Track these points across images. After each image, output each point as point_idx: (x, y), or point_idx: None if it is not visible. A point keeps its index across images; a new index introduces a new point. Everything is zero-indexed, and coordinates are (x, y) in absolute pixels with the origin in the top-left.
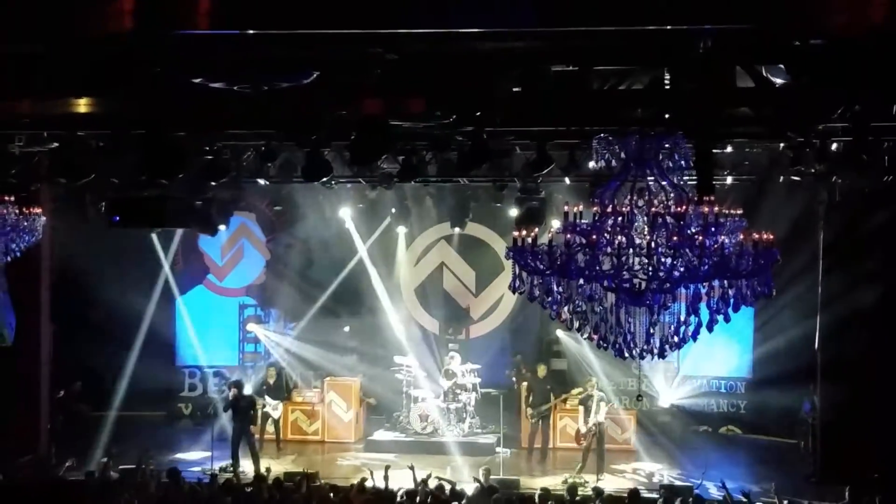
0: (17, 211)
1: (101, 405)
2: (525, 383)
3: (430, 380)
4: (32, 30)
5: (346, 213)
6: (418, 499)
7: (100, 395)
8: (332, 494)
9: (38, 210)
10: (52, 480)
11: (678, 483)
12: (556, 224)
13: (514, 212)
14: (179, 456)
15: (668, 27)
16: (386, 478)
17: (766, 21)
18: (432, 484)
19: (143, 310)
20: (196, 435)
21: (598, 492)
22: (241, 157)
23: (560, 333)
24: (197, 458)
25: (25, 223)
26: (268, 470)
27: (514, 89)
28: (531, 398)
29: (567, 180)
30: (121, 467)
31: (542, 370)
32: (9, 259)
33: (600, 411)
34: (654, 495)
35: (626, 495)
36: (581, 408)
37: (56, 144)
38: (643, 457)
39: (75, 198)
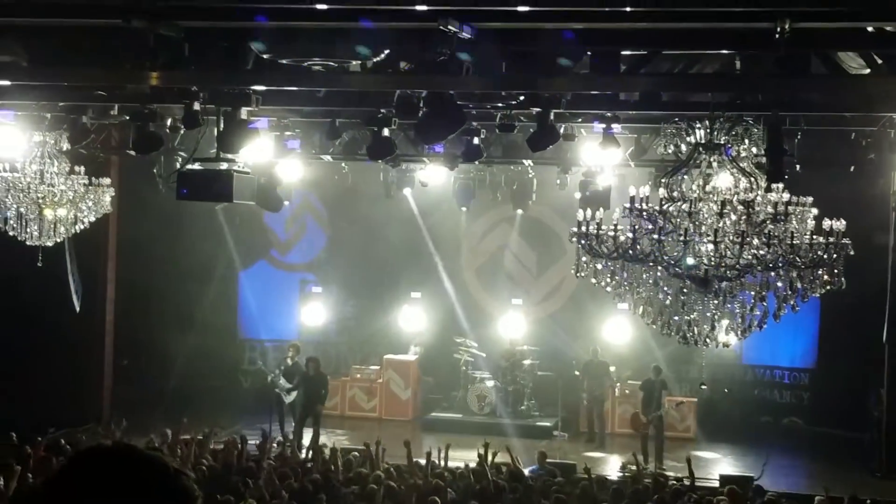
0: (86, 182)
1: (163, 376)
2: (584, 365)
3: (489, 361)
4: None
5: (408, 192)
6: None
7: (162, 366)
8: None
9: (107, 181)
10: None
11: (738, 474)
12: (619, 209)
13: (577, 195)
14: (240, 428)
15: (742, 9)
16: (446, 457)
17: (844, 4)
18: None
19: (206, 283)
20: (256, 407)
21: (658, 479)
22: (306, 133)
23: (621, 318)
24: (257, 430)
25: (94, 194)
26: (324, 445)
27: (583, 72)
28: (585, 383)
29: (633, 164)
30: (182, 437)
31: (597, 359)
32: (78, 229)
33: (663, 400)
34: (714, 484)
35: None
36: (641, 394)
37: (127, 117)
38: (703, 445)
39: (144, 170)
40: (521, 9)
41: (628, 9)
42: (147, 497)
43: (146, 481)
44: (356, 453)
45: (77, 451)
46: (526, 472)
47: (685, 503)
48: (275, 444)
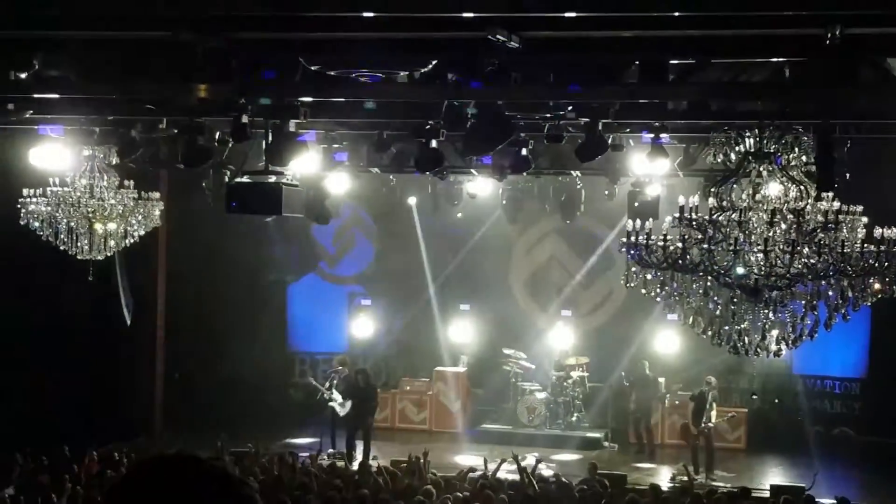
0: (135, 196)
1: (213, 389)
2: (633, 377)
3: (539, 372)
4: (155, 14)
5: (457, 205)
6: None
7: (213, 378)
8: (441, 484)
9: (156, 195)
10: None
11: (789, 484)
12: (669, 218)
13: (626, 205)
14: (289, 441)
15: (792, 13)
16: (497, 469)
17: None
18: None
19: (255, 296)
20: (306, 420)
21: (708, 490)
22: (355, 146)
23: (670, 328)
24: (306, 443)
25: (143, 208)
26: (374, 458)
27: (631, 81)
28: (634, 396)
29: (681, 174)
30: (232, 450)
31: (646, 371)
32: (128, 243)
33: (713, 412)
34: (765, 495)
35: (735, 491)
36: (692, 404)
37: (175, 131)
38: (753, 456)
39: (193, 183)
40: (567, 15)
41: (676, 14)
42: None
43: (209, 490)
44: (403, 465)
45: (140, 459)
46: (575, 482)
47: None
48: (325, 458)
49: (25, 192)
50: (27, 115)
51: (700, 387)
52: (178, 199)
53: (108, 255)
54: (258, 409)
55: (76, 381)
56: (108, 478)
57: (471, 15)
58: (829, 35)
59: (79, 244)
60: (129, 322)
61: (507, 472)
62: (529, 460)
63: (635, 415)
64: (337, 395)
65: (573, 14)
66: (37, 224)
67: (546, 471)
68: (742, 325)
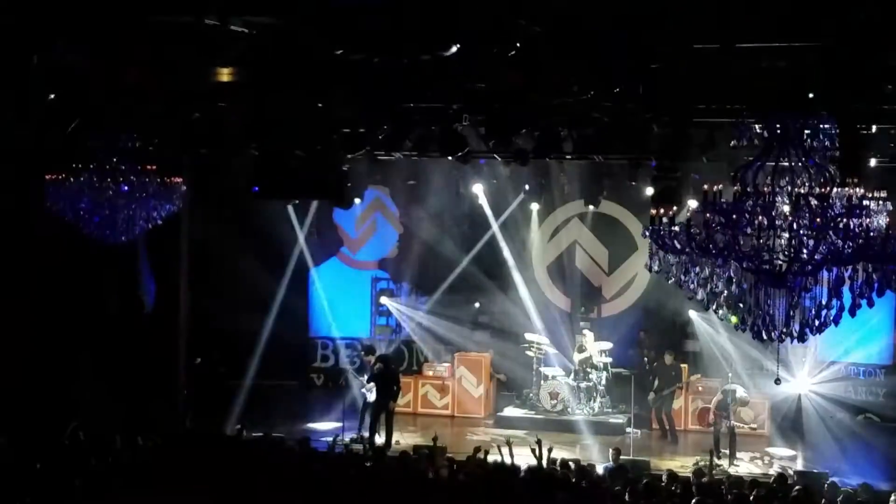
0: (158, 180)
1: (235, 374)
2: (655, 363)
3: (561, 358)
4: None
5: (479, 189)
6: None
7: (234, 364)
8: (454, 467)
9: (179, 180)
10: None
11: (812, 469)
12: (693, 204)
13: (649, 190)
14: (311, 426)
15: None
16: (511, 454)
17: None
18: (549, 454)
19: (277, 280)
20: (328, 405)
21: (730, 476)
22: (377, 129)
23: (693, 315)
24: (328, 429)
25: (166, 193)
26: (397, 442)
27: (653, 66)
28: (656, 384)
29: (704, 159)
30: (253, 434)
31: (668, 358)
32: (149, 227)
33: (734, 415)
34: (788, 482)
35: (770, 480)
36: (719, 396)
37: (198, 115)
38: (776, 442)
39: (216, 168)
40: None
41: None
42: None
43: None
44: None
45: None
46: (599, 468)
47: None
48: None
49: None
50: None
51: (727, 384)
52: (200, 184)
53: (131, 239)
54: (280, 394)
55: (98, 366)
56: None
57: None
58: (855, 19)
59: (101, 229)
60: (150, 308)
61: (524, 459)
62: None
63: (656, 402)
64: (364, 381)
65: None
66: (60, 207)
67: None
68: (766, 311)
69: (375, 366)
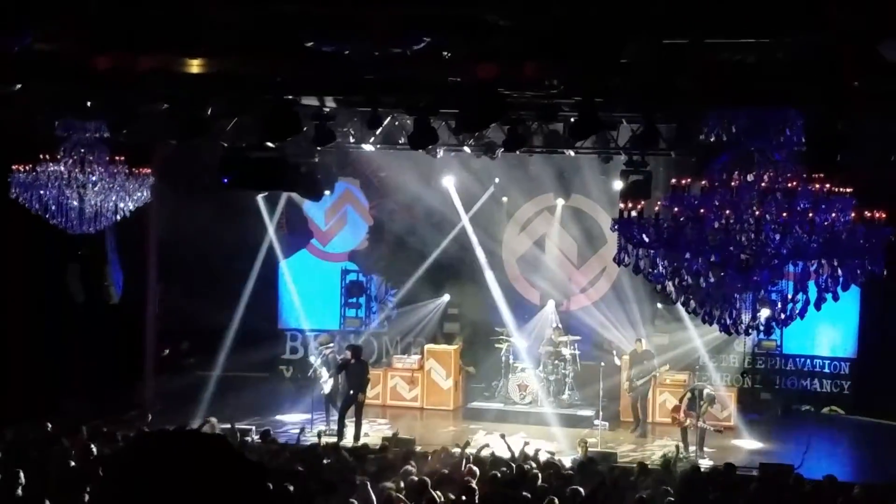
0: (127, 170)
1: (204, 365)
2: (626, 357)
3: (530, 350)
4: None
5: (449, 182)
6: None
7: (203, 356)
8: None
9: (148, 170)
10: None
11: (778, 462)
12: (661, 198)
13: (618, 184)
14: (279, 418)
15: None
16: (509, 447)
17: None
18: (529, 450)
19: (247, 272)
20: (297, 397)
21: (695, 467)
22: (347, 122)
23: (660, 307)
24: (297, 421)
25: (135, 183)
26: (366, 435)
27: (623, 61)
28: (629, 372)
29: (673, 154)
30: (221, 426)
31: (639, 346)
32: (118, 218)
33: (705, 414)
34: (753, 473)
35: (721, 469)
36: (687, 394)
37: (167, 105)
38: (743, 434)
39: (185, 158)
40: None
41: None
42: (220, 474)
43: (215, 460)
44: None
45: (142, 434)
46: (567, 461)
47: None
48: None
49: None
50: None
51: (695, 381)
52: (170, 175)
53: (99, 230)
54: (249, 386)
55: (67, 356)
56: (91, 454)
57: None
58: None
59: (69, 219)
60: (116, 299)
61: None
62: (520, 442)
63: (631, 391)
64: (324, 373)
65: None
66: (26, 197)
67: (541, 452)
68: (732, 305)
69: (341, 355)
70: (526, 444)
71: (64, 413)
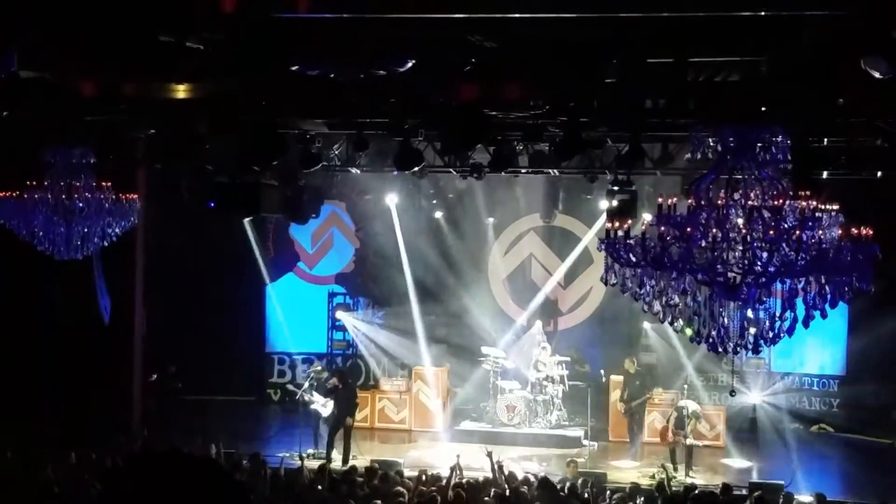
0: (113, 195)
1: (191, 389)
2: (619, 378)
3: (518, 371)
4: (136, 13)
5: (436, 203)
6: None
7: (191, 380)
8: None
9: (135, 195)
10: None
11: (768, 481)
12: (647, 217)
13: (604, 204)
14: (267, 441)
15: (766, 13)
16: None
17: (869, 8)
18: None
19: (234, 296)
20: (285, 420)
21: (688, 487)
22: (333, 145)
23: (647, 326)
24: (285, 444)
25: (122, 208)
26: (354, 458)
27: (608, 80)
28: (624, 394)
29: (658, 173)
30: (224, 451)
31: (630, 366)
32: (105, 243)
33: (691, 432)
34: (743, 492)
35: (717, 490)
36: (674, 414)
37: (153, 130)
38: (732, 453)
39: (171, 183)
40: (546, 16)
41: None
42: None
43: (204, 482)
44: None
45: (131, 456)
46: (556, 480)
47: None
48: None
49: None
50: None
51: (681, 399)
52: (156, 199)
53: (87, 255)
54: (236, 410)
55: (54, 381)
56: (82, 479)
57: (450, 16)
58: (806, 36)
59: (56, 245)
60: (106, 322)
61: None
62: (508, 462)
63: (626, 414)
64: (318, 397)
65: (552, 15)
66: (13, 224)
67: (520, 471)
68: (721, 323)
69: (330, 381)
70: (499, 464)
71: (49, 439)
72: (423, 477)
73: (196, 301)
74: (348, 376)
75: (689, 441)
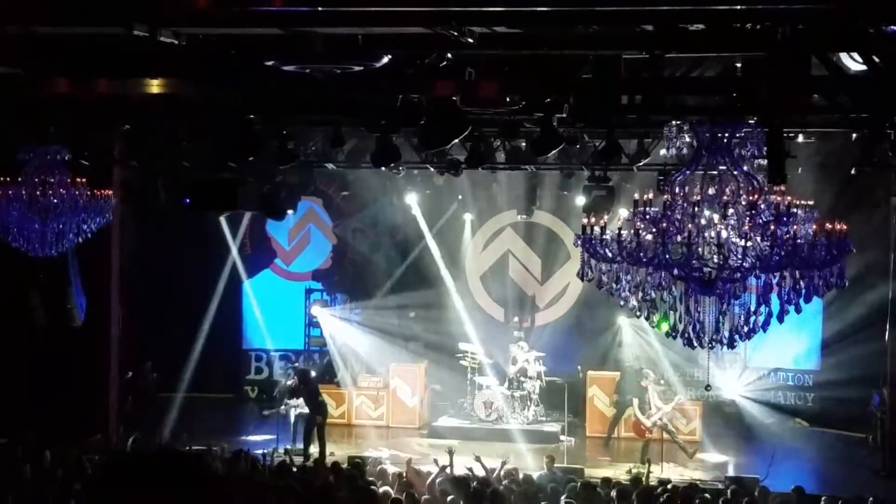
0: (88, 192)
1: (168, 387)
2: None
3: (495, 367)
4: (110, 10)
5: (412, 199)
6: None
7: (167, 377)
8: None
9: (110, 192)
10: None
11: (744, 475)
12: (624, 213)
13: (581, 200)
14: (245, 438)
15: (741, 7)
16: (451, 463)
17: (843, 5)
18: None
19: (210, 293)
20: (261, 418)
21: (662, 481)
22: (309, 141)
23: (623, 322)
24: (262, 441)
25: (97, 205)
26: (332, 454)
27: (585, 76)
28: (619, 388)
29: (635, 169)
30: (189, 448)
31: (634, 363)
32: (80, 240)
33: (657, 403)
34: (720, 486)
35: (688, 483)
36: (636, 400)
37: (128, 127)
38: (709, 448)
39: (146, 180)
40: (524, 9)
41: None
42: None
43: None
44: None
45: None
46: (535, 476)
47: None
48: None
49: None
50: None
51: (645, 381)
52: (132, 196)
53: (61, 252)
54: (213, 407)
55: (28, 380)
56: (58, 478)
57: (427, 9)
58: (781, 31)
59: (30, 242)
60: (81, 321)
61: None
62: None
63: (617, 409)
64: (291, 402)
65: (528, 9)
66: None
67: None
68: (696, 318)
69: (290, 381)
70: (477, 458)
71: (23, 438)
72: (413, 472)
73: (172, 298)
74: (309, 375)
75: (660, 421)
